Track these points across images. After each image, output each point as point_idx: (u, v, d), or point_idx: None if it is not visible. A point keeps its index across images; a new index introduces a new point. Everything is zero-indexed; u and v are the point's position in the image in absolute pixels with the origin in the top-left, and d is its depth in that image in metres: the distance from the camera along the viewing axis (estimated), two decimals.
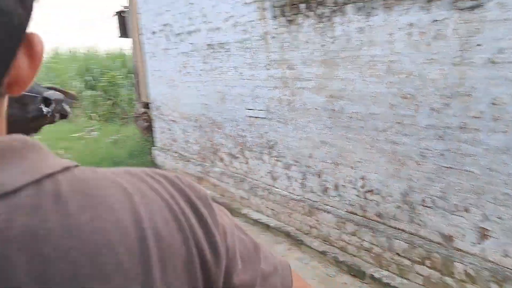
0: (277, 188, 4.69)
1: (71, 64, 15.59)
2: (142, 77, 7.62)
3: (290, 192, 4.53)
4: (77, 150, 8.96)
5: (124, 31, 8.52)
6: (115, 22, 8.83)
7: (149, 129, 7.41)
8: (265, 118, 4.65)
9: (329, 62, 3.76)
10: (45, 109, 2.20)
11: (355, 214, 3.83)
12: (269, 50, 4.38)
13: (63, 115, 2.24)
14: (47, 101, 2.18)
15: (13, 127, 1.73)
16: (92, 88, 13.60)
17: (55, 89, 2.72)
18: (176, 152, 6.66)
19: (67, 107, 2.23)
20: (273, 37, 4.30)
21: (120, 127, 9.91)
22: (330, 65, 3.75)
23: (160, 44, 6.42)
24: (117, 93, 12.14)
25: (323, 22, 3.75)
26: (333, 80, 3.76)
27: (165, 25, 6.17)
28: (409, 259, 3.32)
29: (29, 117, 2.23)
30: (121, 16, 8.59)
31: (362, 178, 3.70)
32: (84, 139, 9.99)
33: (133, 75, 8.97)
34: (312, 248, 4.09)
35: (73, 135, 10.80)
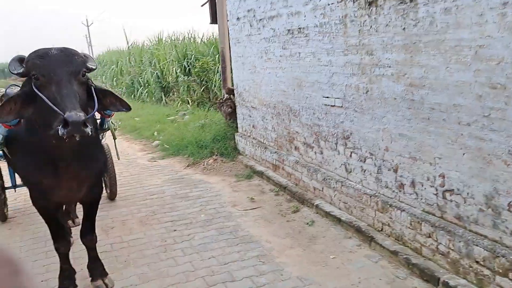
0: (351, 181, 4.48)
1: (171, 50, 16.50)
2: (228, 64, 7.76)
3: (364, 186, 4.29)
4: (168, 132, 9.49)
5: (215, 17, 8.72)
6: (208, 8, 9.09)
7: (232, 115, 7.55)
8: (341, 106, 4.44)
9: (410, 47, 3.44)
10: (60, 131, 2.30)
11: (432, 214, 3.50)
12: (348, 35, 4.15)
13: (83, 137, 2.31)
14: (65, 123, 2.27)
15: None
16: (188, 73, 14.25)
17: (112, 94, 2.82)
18: (255, 139, 6.71)
19: (88, 129, 2.30)
20: (352, 21, 4.05)
21: (208, 112, 10.24)
22: (411, 50, 3.43)
23: (244, 30, 6.45)
24: (209, 78, 12.55)
25: (405, 3, 3.43)
26: (414, 67, 3.43)
27: (248, 10, 6.17)
28: (489, 269, 2.95)
29: (51, 134, 2.34)
30: (213, 2, 8.80)
31: (442, 176, 3.35)
32: (176, 123, 10.54)
33: (220, 61, 9.17)
34: (383, 246, 3.84)
35: (168, 118, 11.47)
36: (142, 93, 17.24)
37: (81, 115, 2.25)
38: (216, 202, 5.40)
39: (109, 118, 3.61)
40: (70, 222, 4.77)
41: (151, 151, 8.75)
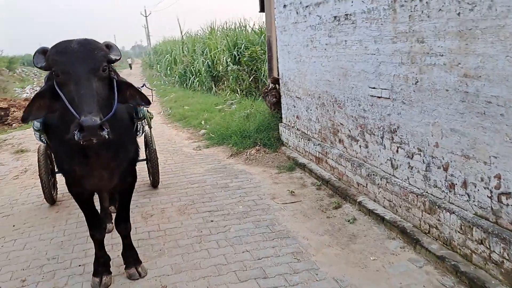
0: (396, 178, 4.19)
1: (222, 39, 16.53)
2: (274, 52, 7.59)
3: (410, 184, 3.99)
4: (215, 121, 9.50)
5: (263, 6, 8.56)
6: None
7: (277, 105, 7.39)
8: (388, 98, 4.15)
9: (465, 34, 3.10)
10: (76, 136, 2.23)
11: (485, 219, 3.17)
12: (397, 21, 3.84)
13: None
14: (81, 128, 2.20)
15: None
16: (238, 63, 14.20)
17: (132, 87, 2.74)
18: (298, 130, 6.51)
19: (105, 133, 2.23)
20: (402, 6, 3.74)
21: (254, 101, 10.14)
22: (467, 37, 3.09)
23: (290, 17, 6.24)
24: (258, 68, 12.43)
25: None
26: (469, 56, 3.09)
27: None
28: None
29: (69, 137, 2.28)
30: None
31: (498, 177, 3.01)
32: (224, 112, 10.54)
33: (266, 50, 9.00)
34: (429, 250, 3.56)
35: (216, 107, 11.51)
36: (193, 82, 17.46)
37: (96, 120, 2.18)
38: (255, 194, 5.29)
39: (141, 107, 3.57)
40: (112, 207, 4.85)
41: (197, 139, 8.81)
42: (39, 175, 5.14)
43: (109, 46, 2.64)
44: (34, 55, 2.51)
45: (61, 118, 2.65)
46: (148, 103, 2.77)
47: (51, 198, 5.29)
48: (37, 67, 2.50)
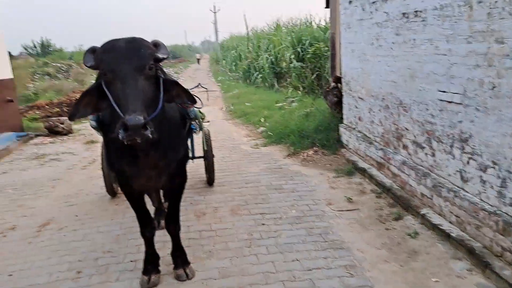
0: (466, 192, 3.80)
1: (287, 35, 16.34)
2: (338, 50, 7.29)
3: (482, 200, 3.60)
4: (274, 119, 9.39)
5: (328, 1, 8.27)
6: None
7: (338, 104, 7.10)
8: (460, 103, 3.77)
9: None
10: (120, 135, 2.18)
11: None
12: (473, 19, 3.45)
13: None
14: (125, 127, 2.14)
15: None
16: (302, 59, 13.95)
17: (179, 86, 2.67)
18: (360, 132, 6.19)
19: (148, 132, 2.18)
20: (480, 2, 3.35)
21: (315, 100, 9.86)
22: None
23: (355, 14, 5.93)
24: (321, 65, 12.11)
25: None
26: None
27: None
28: None
29: (114, 136, 2.23)
30: None
31: None
32: (283, 109, 10.39)
33: (330, 48, 8.69)
34: (500, 276, 3.17)
35: (276, 104, 11.39)
36: (256, 78, 17.48)
37: (140, 119, 2.12)
38: (310, 198, 5.10)
39: (191, 108, 3.51)
40: (166, 203, 4.90)
41: (256, 137, 8.75)
42: (101, 167, 5.34)
43: (156, 45, 2.59)
44: (84, 55, 2.52)
45: (111, 117, 2.66)
46: (194, 102, 2.69)
47: (112, 190, 5.47)
48: (86, 66, 2.51)
